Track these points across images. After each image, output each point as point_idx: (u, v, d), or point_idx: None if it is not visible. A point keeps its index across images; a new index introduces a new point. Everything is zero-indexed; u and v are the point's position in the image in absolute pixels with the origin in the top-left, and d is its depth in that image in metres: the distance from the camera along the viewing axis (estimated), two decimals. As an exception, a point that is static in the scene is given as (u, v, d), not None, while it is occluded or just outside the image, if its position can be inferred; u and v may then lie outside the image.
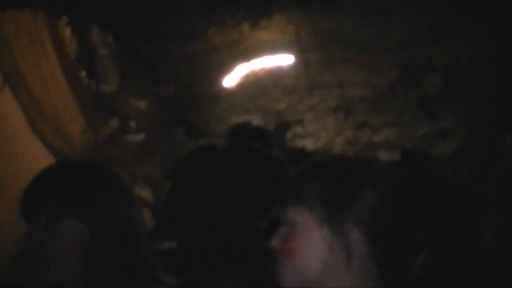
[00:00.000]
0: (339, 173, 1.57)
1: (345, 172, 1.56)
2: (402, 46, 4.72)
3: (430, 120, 4.72)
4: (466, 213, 3.47)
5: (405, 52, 4.74)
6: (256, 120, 5.38)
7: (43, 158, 3.61)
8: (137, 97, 4.44)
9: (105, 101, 4.33)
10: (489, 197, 3.43)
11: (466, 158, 4.06)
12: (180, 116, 4.80)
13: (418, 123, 4.86)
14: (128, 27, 4.54)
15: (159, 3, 4.42)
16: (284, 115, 5.45)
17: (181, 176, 2.98)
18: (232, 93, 5.38)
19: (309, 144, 5.42)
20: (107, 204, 1.71)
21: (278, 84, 5.51)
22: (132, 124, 4.44)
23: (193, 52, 4.92)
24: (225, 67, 5.29)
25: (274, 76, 5.43)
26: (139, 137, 4.38)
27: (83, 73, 4.29)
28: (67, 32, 4.19)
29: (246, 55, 5.27)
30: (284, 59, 5.41)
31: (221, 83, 5.36)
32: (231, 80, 5.38)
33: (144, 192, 4.31)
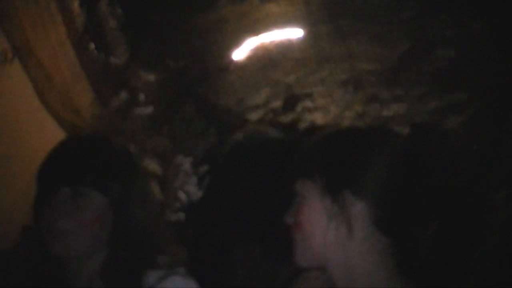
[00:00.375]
0: (342, 143, 1.57)
1: (349, 142, 1.56)
2: (414, 17, 4.67)
3: (441, 93, 4.68)
4: (477, 186, 3.47)
5: (417, 23, 4.69)
6: (265, 93, 5.38)
7: (52, 131, 3.61)
8: (146, 69, 4.42)
9: (114, 73, 4.32)
10: (500, 171, 3.42)
11: (477, 132, 4.03)
12: (189, 88, 4.79)
13: (428, 97, 4.83)
14: (137, -1, 4.52)
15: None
16: (293, 89, 5.43)
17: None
18: (241, 66, 5.35)
19: (318, 117, 5.41)
20: (123, 177, 1.72)
21: (288, 57, 5.47)
22: (141, 96, 4.43)
23: (203, 24, 4.88)
24: (235, 39, 5.26)
25: (283, 49, 5.39)
26: (148, 109, 4.38)
27: (92, 45, 4.27)
28: (75, 3, 4.17)
29: (256, 27, 5.23)
30: (294, 32, 5.37)
31: (230, 55, 5.33)
32: (240, 53, 5.35)
33: (153, 165, 4.32)
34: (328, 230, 1.50)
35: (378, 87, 5.14)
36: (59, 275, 1.71)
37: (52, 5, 3.76)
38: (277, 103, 5.47)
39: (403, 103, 4.99)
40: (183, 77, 4.73)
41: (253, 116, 5.36)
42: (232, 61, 5.35)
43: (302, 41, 5.39)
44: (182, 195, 4.52)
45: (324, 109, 5.46)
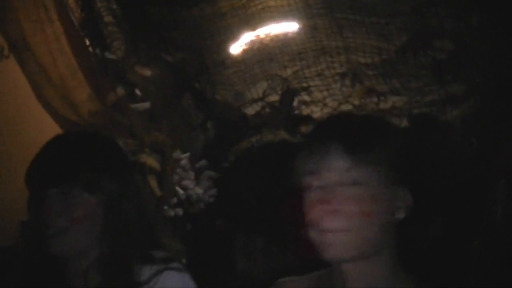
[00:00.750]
0: (391, 131, 1.55)
1: (357, 129, 1.54)
2: (412, 10, 4.66)
3: (440, 86, 4.67)
4: (477, 177, 3.47)
5: (415, 16, 4.68)
6: (262, 86, 5.37)
7: (50, 127, 3.60)
8: (143, 64, 4.40)
9: (111, 68, 4.30)
10: (499, 162, 3.41)
11: (476, 124, 4.03)
12: (187, 83, 4.77)
13: (426, 89, 4.82)
14: (133, -7, 4.50)
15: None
16: (290, 82, 5.41)
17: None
18: (238, 60, 5.34)
19: (315, 111, 5.40)
20: (113, 173, 1.71)
21: (284, 51, 5.46)
22: (138, 91, 4.41)
23: (200, 19, 4.86)
24: (232, 34, 5.24)
25: (280, 42, 5.38)
26: (145, 105, 4.36)
27: (88, 41, 4.25)
28: (71, -1, 4.15)
29: (253, 21, 5.22)
30: (291, 26, 5.35)
31: (227, 49, 5.32)
32: (237, 46, 5.33)
33: (150, 160, 4.31)
34: (386, 219, 1.50)
35: (376, 80, 5.12)
36: (55, 272, 1.70)
37: (48, 0, 3.74)
38: (274, 97, 5.46)
39: (401, 96, 4.98)
40: (180, 72, 4.71)
41: (251, 110, 5.35)
42: (229, 55, 5.33)
43: (299, 34, 5.38)
44: (180, 190, 4.51)
45: (321, 103, 5.45)
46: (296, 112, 5.39)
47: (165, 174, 4.40)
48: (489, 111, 3.96)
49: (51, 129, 3.53)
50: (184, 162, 4.58)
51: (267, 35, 5.37)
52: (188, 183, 4.56)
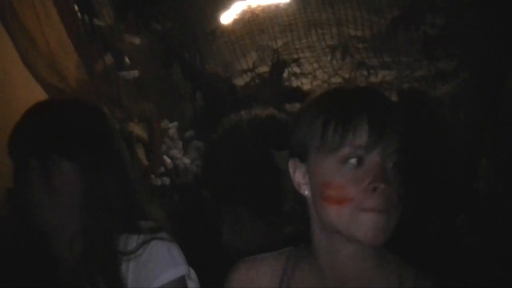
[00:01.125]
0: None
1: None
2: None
3: (430, 61, 4.66)
4: (462, 153, 3.49)
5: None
6: (252, 58, 5.34)
7: (38, 96, 3.56)
8: (132, 32, 4.35)
9: (99, 36, 4.25)
10: (486, 139, 3.43)
11: (466, 101, 4.03)
12: (176, 53, 4.73)
13: (417, 64, 4.81)
14: (123, -40, 4.43)
15: None
16: (280, 53, 5.38)
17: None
18: (228, 30, 5.29)
19: (305, 83, 5.38)
20: (96, 142, 1.69)
21: (275, 22, 5.42)
22: (127, 60, 4.38)
23: (190, -13, 4.82)
24: (222, 3, 5.20)
25: (271, 14, 5.33)
26: (134, 73, 4.32)
27: (76, 8, 4.19)
28: (59, -36, 4.08)
29: (243, -9, 5.17)
30: (282, -4, 5.31)
31: (218, 19, 5.27)
32: (228, 16, 5.29)
33: (138, 129, 4.29)
34: None
35: (366, 53, 5.10)
36: (40, 242, 1.70)
37: (35, -34, 3.67)
38: (264, 68, 5.43)
39: (391, 70, 4.97)
40: (169, 41, 4.67)
41: (240, 81, 5.33)
42: (219, 25, 5.28)
43: (290, 6, 5.33)
44: (167, 160, 4.50)
45: (311, 75, 5.43)
46: (286, 83, 5.38)
47: (153, 143, 4.39)
48: (478, 87, 3.96)
49: (39, 97, 3.50)
50: (172, 131, 4.57)
51: (258, 6, 5.32)
52: (175, 152, 4.56)
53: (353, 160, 1.36)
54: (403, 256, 1.51)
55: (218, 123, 4.53)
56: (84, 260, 1.66)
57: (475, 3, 4.15)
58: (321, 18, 5.20)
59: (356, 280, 1.47)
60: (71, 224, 1.67)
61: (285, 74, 5.41)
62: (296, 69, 5.42)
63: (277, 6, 5.32)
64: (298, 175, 1.50)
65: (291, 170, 1.52)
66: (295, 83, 5.42)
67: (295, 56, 5.40)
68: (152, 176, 4.29)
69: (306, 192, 1.49)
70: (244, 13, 5.32)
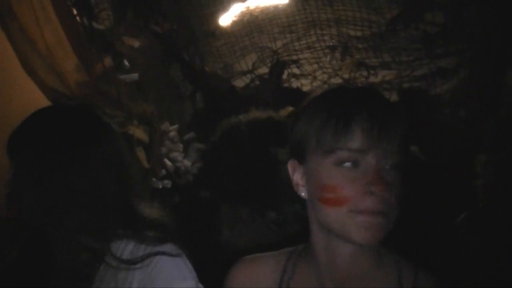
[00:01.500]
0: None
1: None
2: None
3: (430, 60, 4.66)
4: (462, 149, 3.48)
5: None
6: (251, 59, 5.34)
7: (37, 97, 3.56)
8: (131, 34, 4.35)
9: (98, 38, 4.25)
10: (485, 136, 3.42)
11: (466, 98, 4.03)
12: (176, 54, 4.73)
13: (417, 63, 4.81)
14: (121, -38, 4.43)
15: None
16: (280, 54, 5.38)
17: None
18: (228, 31, 5.30)
19: (305, 84, 5.37)
20: (92, 144, 1.70)
21: (274, 23, 5.42)
22: (126, 62, 4.37)
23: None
24: (221, 5, 5.20)
25: (270, 14, 5.34)
26: (133, 76, 4.32)
27: (74, 10, 4.19)
28: (57, -33, 4.08)
29: (242, -8, 5.17)
30: (281, -3, 5.31)
31: (217, 20, 5.27)
32: (227, 18, 5.29)
33: (139, 132, 4.28)
34: None
35: (366, 53, 5.10)
36: (39, 241, 1.71)
37: (33, -32, 3.67)
38: (263, 70, 5.43)
39: (391, 70, 4.96)
40: (169, 43, 4.67)
41: (240, 82, 5.32)
42: (218, 26, 5.29)
43: (289, 6, 5.34)
44: (168, 163, 4.49)
45: (310, 76, 5.43)
46: (286, 85, 5.37)
47: (153, 146, 4.38)
48: (478, 84, 3.96)
49: (38, 99, 3.49)
50: (172, 134, 4.56)
51: (257, 7, 5.32)
52: (176, 155, 4.55)
53: (348, 163, 1.37)
54: (403, 255, 1.50)
55: (217, 125, 4.53)
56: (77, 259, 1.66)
57: (474, 1, 4.15)
58: (320, 19, 5.20)
59: (355, 280, 1.47)
60: (68, 224, 1.67)
61: (284, 75, 5.40)
62: (295, 70, 5.41)
63: (276, 7, 5.33)
64: (297, 177, 1.50)
65: (290, 171, 1.52)
66: (295, 84, 5.41)
67: (295, 57, 5.40)
68: (154, 179, 4.28)
69: (303, 194, 1.49)
70: (243, 14, 5.33)
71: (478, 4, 4.08)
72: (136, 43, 4.46)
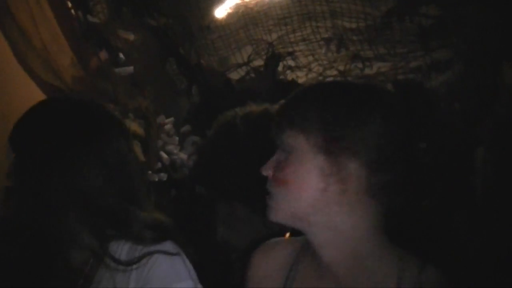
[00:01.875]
0: (341, 97, 1.50)
1: (348, 97, 1.49)
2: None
3: (425, 52, 4.65)
4: (460, 144, 3.49)
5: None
6: (247, 51, 5.33)
7: (34, 94, 3.56)
8: (126, 28, 4.34)
9: (94, 32, 4.24)
10: (483, 130, 3.42)
11: (462, 91, 4.03)
12: (171, 48, 4.72)
13: (412, 55, 4.80)
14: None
15: None
16: (275, 47, 5.37)
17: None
18: (223, 24, 5.28)
19: (300, 76, 5.37)
20: (96, 139, 1.69)
21: (269, 15, 5.41)
22: (121, 56, 4.36)
23: (183, -18, 4.80)
24: (216, -3, 5.19)
25: (265, 7, 5.32)
26: (129, 69, 4.31)
27: (69, 4, 4.17)
28: (51, -39, 4.06)
29: (237, -16, 5.15)
30: (276, -11, 5.29)
31: (212, 14, 5.26)
32: (222, 10, 5.27)
33: (135, 125, 4.28)
34: (317, 189, 1.45)
35: (361, 45, 5.09)
36: (38, 241, 1.71)
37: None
38: (259, 62, 5.42)
39: (386, 62, 4.96)
40: (164, 37, 4.65)
41: (235, 75, 5.32)
42: (213, 19, 5.27)
43: (285, -2, 5.33)
44: (164, 156, 4.50)
45: (306, 68, 5.42)
46: (282, 77, 5.37)
47: (149, 139, 4.38)
48: (473, 77, 3.96)
49: (35, 96, 3.49)
50: (168, 127, 4.56)
51: (251, 0, 5.31)
52: (172, 148, 4.55)
53: None
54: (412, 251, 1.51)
55: (213, 118, 4.52)
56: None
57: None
58: (315, 11, 5.19)
59: (353, 273, 1.48)
60: (66, 223, 1.67)
61: (280, 68, 5.40)
62: (291, 62, 5.41)
63: (271, 0, 5.32)
64: None
65: None
66: (290, 76, 5.40)
67: (290, 49, 5.39)
68: (150, 172, 4.29)
69: None
70: (237, 7, 5.31)
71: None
72: (132, 37, 4.45)
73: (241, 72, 5.36)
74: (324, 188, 1.45)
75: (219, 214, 2.95)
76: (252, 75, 5.33)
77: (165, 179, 4.31)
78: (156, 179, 4.30)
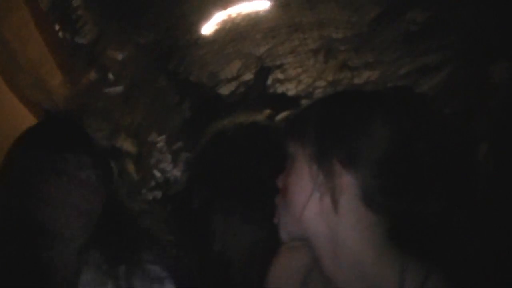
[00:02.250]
0: (336, 108, 1.51)
1: (346, 108, 1.50)
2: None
3: (413, 58, 4.67)
4: (459, 143, 3.49)
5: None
6: (236, 66, 5.34)
7: (23, 116, 3.55)
8: (114, 47, 4.35)
9: (82, 53, 4.25)
10: (481, 128, 3.43)
11: (453, 93, 4.04)
12: (160, 64, 4.73)
13: (400, 62, 4.82)
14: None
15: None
16: (264, 60, 5.38)
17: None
18: (211, 40, 5.29)
19: (290, 89, 5.38)
20: (81, 162, 1.69)
21: (256, 29, 5.42)
22: (111, 76, 4.37)
23: (170, -1, 4.81)
24: (202, 13, 5.19)
25: (252, 21, 5.33)
26: (118, 89, 4.32)
27: (57, 26, 4.18)
28: (37, -17, 4.07)
29: (223, 0, 5.17)
30: (262, 3, 5.31)
31: (199, 29, 5.27)
32: (209, 26, 5.29)
33: (127, 144, 4.28)
34: (311, 199, 1.46)
35: (349, 54, 5.11)
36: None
37: (12, -15, 3.67)
38: (248, 76, 5.43)
39: (375, 70, 4.97)
40: (153, 53, 4.67)
41: (225, 90, 5.32)
42: (201, 35, 5.28)
43: (271, 12, 5.34)
44: (157, 173, 4.49)
45: (295, 80, 5.43)
46: (271, 90, 5.38)
47: (142, 157, 4.38)
48: (463, 79, 3.98)
49: (24, 117, 3.48)
50: (160, 144, 4.56)
51: (238, 14, 5.32)
52: (165, 165, 4.55)
53: None
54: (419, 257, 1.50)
55: (202, 133, 4.53)
56: None
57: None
58: (302, 22, 5.21)
59: (354, 279, 1.47)
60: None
61: (269, 81, 5.41)
62: (280, 75, 5.42)
63: (257, 14, 5.33)
64: None
65: None
66: (280, 89, 5.41)
67: (278, 62, 5.40)
68: (143, 190, 4.28)
69: None
70: (224, 22, 5.33)
71: (461, 1, 4.09)
72: (120, 56, 4.46)
73: (231, 86, 5.37)
74: (318, 198, 1.45)
75: (215, 226, 2.93)
76: (242, 89, 5.34)
77: (159, 197, 4.30)
78: (151, 198, 4.30)
